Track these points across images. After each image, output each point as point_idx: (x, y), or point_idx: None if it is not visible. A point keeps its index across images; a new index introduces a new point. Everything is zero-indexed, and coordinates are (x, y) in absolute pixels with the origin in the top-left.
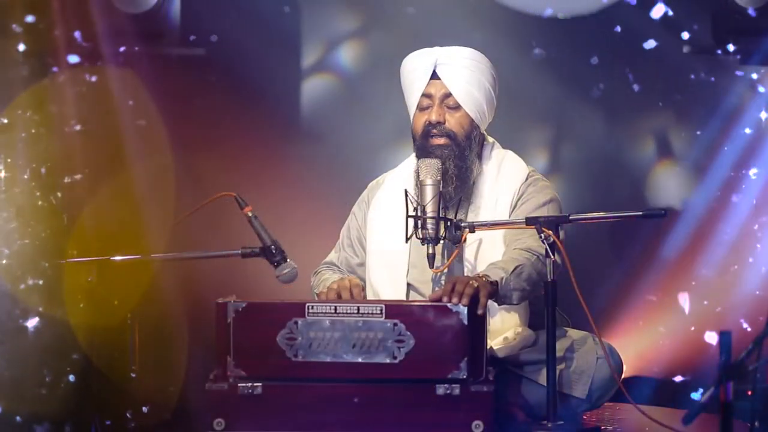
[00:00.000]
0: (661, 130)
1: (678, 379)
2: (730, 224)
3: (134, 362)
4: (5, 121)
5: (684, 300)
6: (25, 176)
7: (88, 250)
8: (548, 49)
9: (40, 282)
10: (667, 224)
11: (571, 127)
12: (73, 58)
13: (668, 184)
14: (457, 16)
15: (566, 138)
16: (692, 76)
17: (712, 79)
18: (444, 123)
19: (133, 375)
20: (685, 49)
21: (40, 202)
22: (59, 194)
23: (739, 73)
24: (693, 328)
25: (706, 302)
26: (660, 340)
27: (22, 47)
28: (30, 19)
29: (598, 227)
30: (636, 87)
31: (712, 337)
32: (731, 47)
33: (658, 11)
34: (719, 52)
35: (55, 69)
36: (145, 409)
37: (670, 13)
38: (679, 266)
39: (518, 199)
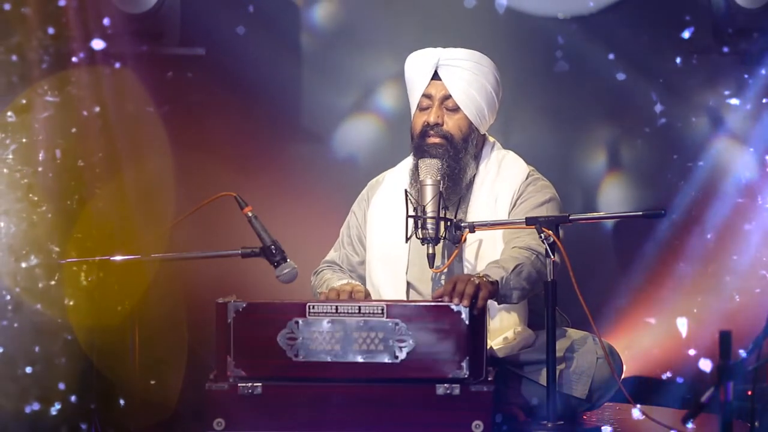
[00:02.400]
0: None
1: (680, 380)
2: (740, 252)
3: (134, 362)
4: (24, 101)
5: (682, 325)
6: (40, 157)
7: (92, 237)
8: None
9: (43, 262)
10: (672, 248)
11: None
12: (99, 44)
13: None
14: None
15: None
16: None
17: (730, 97)
18: (442, 125)
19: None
20: (688, 52)
21: (51, 184)
22: (70, 176)
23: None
24: (692, 353)
25: (707, 328)
26: (654, 361)
27: (51, 30)
28: (62, 2)
29: (603, 247)
30: (659, 107)
31: (706, 365)
32: (733, 48)
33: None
34: (719, 54)
35: (82, 54)
36: (122, 401)
37: (673, 15)
38: (683, 291)
39: (518, 198)
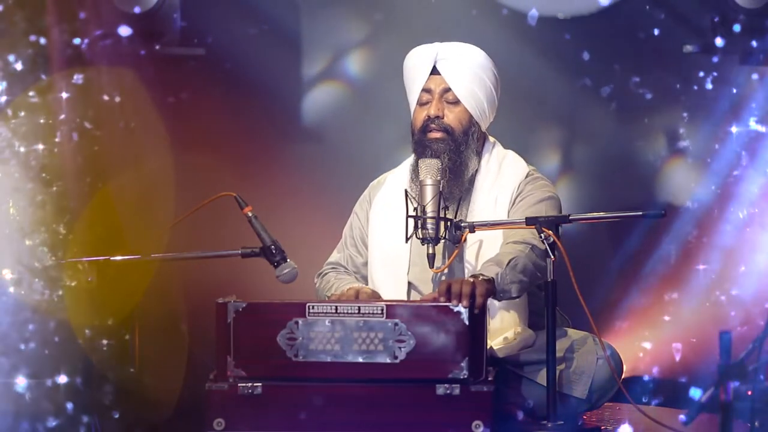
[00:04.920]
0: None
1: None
2: (747, 284)
3: (134, 362)
4: (46, 83)
5: (677, 350)
6: (57, 138)
7: (95, 225)
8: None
9: (48, 241)
10: (677, 275)
11: (582, 128)
12: (125, 30)
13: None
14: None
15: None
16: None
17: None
18: (442, 117)
19: (132, 370)
20: (687, 51)
21: (65, 165)
22: (84, 159)
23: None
24: (683, 380)
25: (705, 357)
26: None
27: (83, 15)
28: None
29: (606, 257)
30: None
31: (696, 393)
32: (733, 47)
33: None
34: (721, 53)
35: (109, 41)
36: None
37: (672, 14)
38: (685, 320)
39: (517, 196)
